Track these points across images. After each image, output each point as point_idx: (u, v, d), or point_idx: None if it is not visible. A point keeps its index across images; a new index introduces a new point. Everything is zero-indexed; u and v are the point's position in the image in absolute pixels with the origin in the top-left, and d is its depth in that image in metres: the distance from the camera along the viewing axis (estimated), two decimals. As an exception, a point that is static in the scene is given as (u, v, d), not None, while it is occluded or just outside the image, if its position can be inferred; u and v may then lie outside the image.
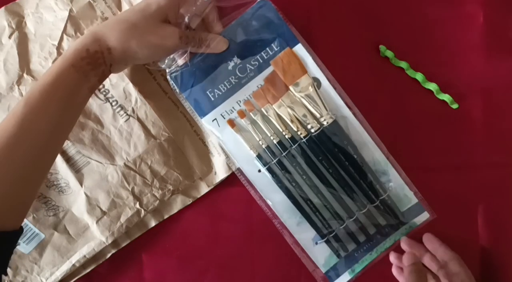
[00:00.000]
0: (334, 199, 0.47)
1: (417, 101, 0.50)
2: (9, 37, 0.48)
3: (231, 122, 0.47)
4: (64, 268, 0.49)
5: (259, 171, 0.48)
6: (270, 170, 0.47)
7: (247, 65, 0.46)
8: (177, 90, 0.47)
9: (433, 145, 0.50)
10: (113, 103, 0.49)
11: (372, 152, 0.47)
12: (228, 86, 0.47)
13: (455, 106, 0.50)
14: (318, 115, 0.46)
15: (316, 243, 0.48)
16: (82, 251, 0.49)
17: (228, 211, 0.51)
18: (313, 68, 0.46)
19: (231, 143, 0.47)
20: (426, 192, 0.48)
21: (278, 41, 0.46)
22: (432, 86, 0.49)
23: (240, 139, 0.47)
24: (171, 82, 0.47)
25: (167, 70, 0.47)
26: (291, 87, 0.46)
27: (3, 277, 0.37)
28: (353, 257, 0.48)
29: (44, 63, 0.48)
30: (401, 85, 0.50)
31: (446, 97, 0.50)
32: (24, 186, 0.38)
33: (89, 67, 0.38)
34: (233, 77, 0.46)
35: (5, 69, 0.48)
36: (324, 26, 0.51)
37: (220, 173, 0.50)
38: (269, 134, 0.47)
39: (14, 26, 0.48)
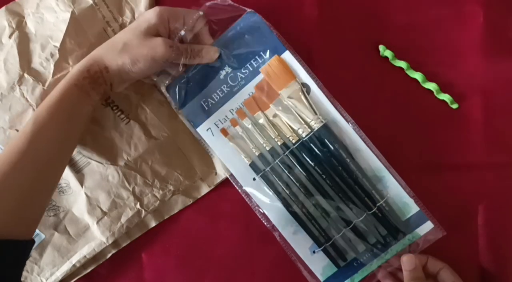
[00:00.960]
0: (330, 207, 0.47)
1: (416, 101, 0.50)
2: (9, 37, 0.48)
3: (225, 131, 0.48)
4: (65, 268, 0.49)
5: (254, 179, 0.48)
6: (264, 178, 0.47)
7: (238, 74, 0.48)
8: (173, 104, 0.49)
9: (432, 145, 0.50)
10: (114, 108, 0.49)
11: (366, 157, 0.46)
12: (221, 95, 0.48)
13: (455, 106, 0.50)
14: (308, 120, 0.46)
15: (314, 252, 0.47)
16: (83, 251, 0.49)
17: (228, 211, 0.51)
18: (302, 74, 0.47)
19: (225, 152, 0.48)
20: (426, 193, 0.48)
21: (266, 49, 0.47)
22: (432, 86, 0.49)
23: (234, 147, 0.48)
24: (167, 96, 0.48)
25: (162, 86, 0.48)
26: (280, 93, 0.46)
27: None
28: (352, 267, 0.47)
29: (45, 64, 0.48)
30: (400, 85, 0.50)
31: (446, 97, 0.50)
32: (35, 197, 0.41)
33: (91, 86, 0.42)
34: (225, 86, 0.48)
35: (5, 69, 0.48)
36: (324, 27, 0.51)
37: (221, 173, 0.50)
38: (261, 142, 0.47)
39: (14, 26, 0.48)
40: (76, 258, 0.49)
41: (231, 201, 0.50)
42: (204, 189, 0.50)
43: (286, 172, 0.47)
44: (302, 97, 0.46)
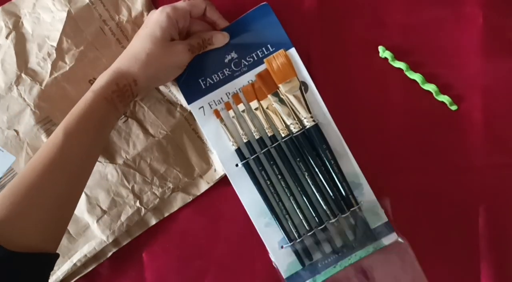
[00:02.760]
0: (305, 204, 0.47)
1: (416, 102, 0.50)
2: (6, 37, 0.48)
3: (217, 113, 0.48)
4: (65, 267, 0.49)
5: (237, 165, 0.48)
6: (247, 166, 0.48)
7: (242, 60, 0.49)
8: None
9: (432, 146, 0.50)
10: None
11: (349, 163, 0.48)
12: (221, 77, 0.49)
13: (454, 107, 0.50)
14: (301, 117, 0.47)
15: (282, 247, 0.48)
16: (83, 250, 0.49)
17: (229, 211, 0.51)
18: (304, 73, 0.48)
19: (213, 134, 0.49)
20: (425, 193, 0.48)
21: (274, 42, 0.48)
22: (431, 87, 0.49)
23: (223, 130, 0.48)
24: None
25: None
26: (280, 86, 0.47)
27: None
28: (316, 267, 0.47)
29: (42, 64, 0.48)
30: (400, 86, 0.50)
31: (445, 98, 0.49)
32: (64, 209, 0.41)
33: (119, 99, 0.43)
34: (227, 69, 0.49)
35: (3, 70, 0.48)
36: (323, 27, 0.51)
37: (220, 170, 0.50)
38: (252, 130, 0.48)
39: (11, 26, 0.49)
40: (76, 257, 0.49)
41: (231, 201, 0.50)
42: (204, 186, 0.50)
43: (270, 163, 0.47)
44: (300, 94, 0.47)
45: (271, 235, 0.48)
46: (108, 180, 0.49)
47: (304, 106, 0.47)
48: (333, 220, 0.47)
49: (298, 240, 0.47)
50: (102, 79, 0.43)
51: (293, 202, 0.47)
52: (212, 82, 0.49)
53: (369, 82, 0.50)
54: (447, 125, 0.50)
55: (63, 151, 0.39)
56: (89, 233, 0.49)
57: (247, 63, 0.49)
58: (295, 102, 0.47)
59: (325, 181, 0.47)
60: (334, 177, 0.47)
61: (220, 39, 0.48)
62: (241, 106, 0.48)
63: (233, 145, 0.48)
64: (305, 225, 0.47)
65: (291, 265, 0.47)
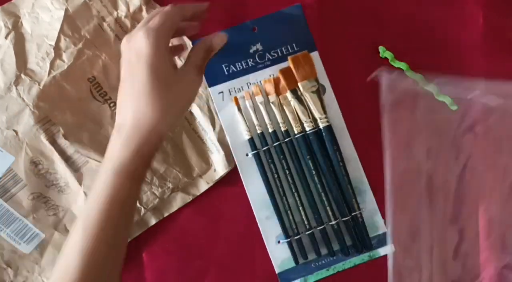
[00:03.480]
0: (308, 203, 0.48)
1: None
2: (6, 37, 0.48)
3: (236, 100, 0.49)
4: (65, 267, 0.49)
5: (247, 154, 0.49)
6: (257, 156, 0.49)
7: (267, 54, 0.50)
8: None
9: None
10: (111, 105, 0.49)
11: (356, 169, 0.49)
12: (244, 66, 0.50)
13: (454, 107, 0.50)
14: (316, 116, 0.48)
15: (279, 242, 0.48)
16: (83, 250, 0.49)
17: (229, 211, 0.51)
18: (323, 76, 0.50)
19: (228, 120, 0.49)
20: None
21: (299, 43, 0.50)
22: (432, 87, 0.49)
23: (239, 118, 0.49)
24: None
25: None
26: (300, 84, 0.48)
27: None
28: (309, 267, 0.48)
29: (41, 64, 0.48)
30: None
31: (445, 98, 0.49)
32: None
33: (144, 170, 0.37)
34: (251, 60, 0.50)
35: (2, 70, 0.48)
36: (323, 27, 0.51)
37: (220, 169, 0.50)
38: (266, 122, 0.49)
39: (10, 27, 0.49)
40: (76, 257, 0.49)
41: (231, 200, 0.50)
42: (203, 186, 0.50)
43: (280, 157, 0.48)
44: (317, 95, 0.48)
45: (270, 229, 0.48)
46: (108, 180, 0.49)
47: (320, 107, 0.48)
48: (333, 222, 0.47)
49: (296, 237, 0.48)
50: (120, 155, 0.36)
51: (296, 199, 0.48)
52: (235, 70, 0.50)
53: (369, 82, 0.50)
54: (447, 125, 0.50)
55: (84, 257, 0.34)
56: (89, 233, 0.49)
57: (271, 58, 0.50)
58: (312, 101, 0.48)
59: (331, 181, 0.48)
60: (341, 179, 0.48)
61: (220, 43, 0.42)
62: (259, 98, 0.49)
63: (246, 134, 0.49)
64: (305, 223, 0.48)
65: (285, 261, 0.48)
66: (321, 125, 0.48)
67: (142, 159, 0.36)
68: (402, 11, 0.51)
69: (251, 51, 0.50)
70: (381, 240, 0.48)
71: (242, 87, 0.50)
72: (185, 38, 0.50)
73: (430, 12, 0.51)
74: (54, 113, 0.48)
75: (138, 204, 0.49)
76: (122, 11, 0.50)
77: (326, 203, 0.48)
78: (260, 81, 0.50)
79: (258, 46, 0.50)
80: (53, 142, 0.48)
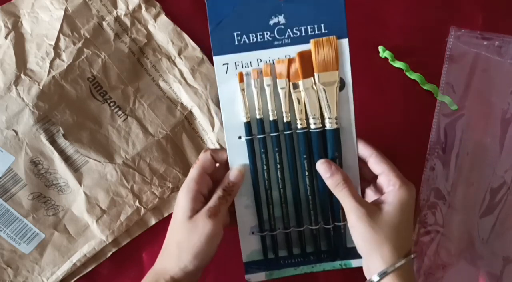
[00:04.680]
0: (292, 202, 0.45)
1: (416, 102, 0.50)
2: (6, 37, 0.48)
3: (241, 76, 0.43)
4: (65, 267, 0.49)
5: (240, 137, 0.44)
6: (249, 143, 0.43)
7: (288, 30, 0.42)
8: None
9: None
10: (111, 104, 0.49)
11: (352, 178, 0.43)
12: (259, 39, 0.42)
13: (454, 107, 0.50)
14: (325, 115, 0.43)
15: (252, 233, 0.45)
16: (83, 250, 0.49)
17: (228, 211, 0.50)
18: (346, 69, 0.43)
19: (228, 96, 0.43)
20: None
21: (329, 25, 0.42)
22: (431, 87, 0.49)
23: (240, 97, 0.43)
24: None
25: None
26: (317, 74, 0.42)
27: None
28: (277, 263, 0.45)
29: (41, 63, 0.48)
30: (400, 86, 0.50)
31: (445, 98, 0.49)
32: None
33: None
34: (269, 33, 0.42)
35: (2, 70, 0.48)
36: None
37: (219, 169, 0.50)
38: (269, 108, 0.43)
39: (10, 27, 0.49)
40: (76, 257, 0.49)
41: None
42: (203, 186, 0.50)
43: (275, 149, 0.44)
44: (334, 91, 0.42)
45: (246, 218, 0.45)
46: (108, 179, 0.49)
47: (334, 106, 0.42)
48: (313, 227, 0.45)
49: (271, 233, 0.45)
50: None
51: (282, 195, 0.44)
52: (247, 41, 0.42)
53: (369, 82, 0.50)
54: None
55: None
56: (89, 233, 0.49)
57: (292, 35, 0.42)
58: (325, 97, 0.42)
59: (322, 186, 0.43)
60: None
61: (238, 177, 0.43)
62: (267, 80, 0.42)
63: (244, 116, 0.43)
64: (284, 221, 0.45)
65: (254, 253, 0.45)
66: (328, 127, 0.42)
67: None
68: (402, 11, 0.51)
69: (271, 23, 0.42)
70: (356, 252, 0.42)
71: (251, 62, 0.42)
72: (186, 38, 0.50)
73: (429, 13, 0.51)
74: (53, 113, 0.48)
75: (138, 204, 0.49)
76: (121, 10, 0.50)
77: (311, 206, 0.44)
78: (273, 61, 0.42)
79: (281, 19, 0.42)
80: (53, 142, 0.48)
